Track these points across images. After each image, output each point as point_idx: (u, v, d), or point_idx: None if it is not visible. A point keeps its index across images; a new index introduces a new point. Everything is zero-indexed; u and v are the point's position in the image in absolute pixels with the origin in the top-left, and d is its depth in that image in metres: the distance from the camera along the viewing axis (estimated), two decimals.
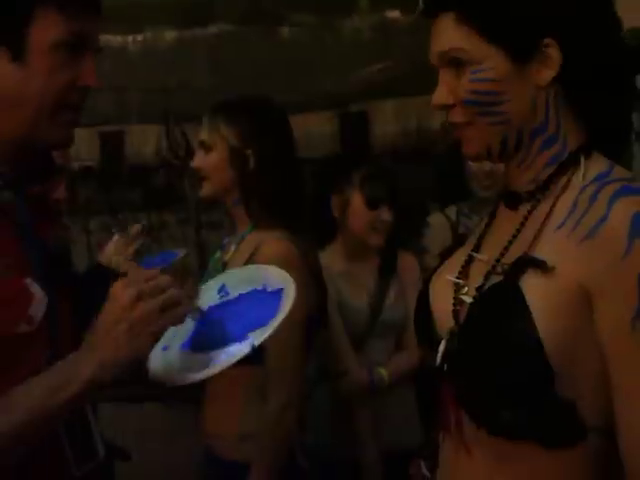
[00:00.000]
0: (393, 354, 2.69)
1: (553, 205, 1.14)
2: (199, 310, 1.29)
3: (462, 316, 1.18)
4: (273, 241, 2.12)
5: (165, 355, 1.33)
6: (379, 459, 2.55)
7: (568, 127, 1.17)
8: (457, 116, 1.17)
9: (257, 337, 1.29)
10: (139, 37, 4.02)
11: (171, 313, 1.15)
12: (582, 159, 1.15)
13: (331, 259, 2.56)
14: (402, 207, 2.70)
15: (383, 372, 2.59)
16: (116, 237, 2.21)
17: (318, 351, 2.37)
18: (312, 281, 2.20)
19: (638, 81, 1.24)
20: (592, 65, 1.14)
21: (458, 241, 1.35)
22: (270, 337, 1.31)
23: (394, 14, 4.51)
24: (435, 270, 1.33)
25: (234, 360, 1.28)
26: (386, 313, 2.68)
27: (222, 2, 3.97)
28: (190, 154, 3.61)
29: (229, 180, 2.20)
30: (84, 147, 3.41)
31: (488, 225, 1.29)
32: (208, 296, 1.42)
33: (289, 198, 2.20)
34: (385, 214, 2.61)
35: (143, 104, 3.68)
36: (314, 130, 4.11)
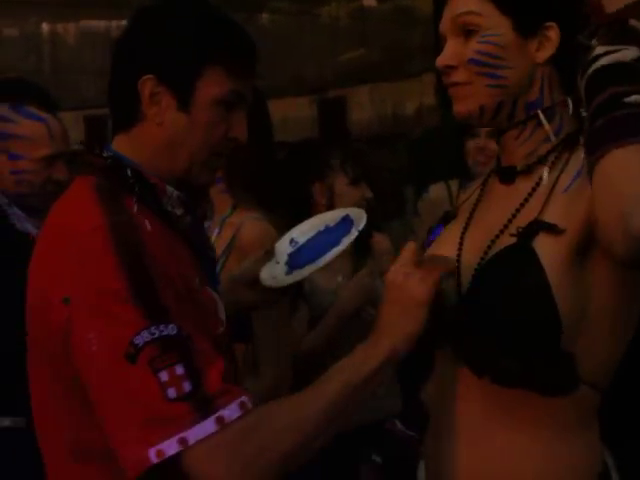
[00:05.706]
0: None
1: (558, 177, 1.25)
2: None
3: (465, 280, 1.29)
4: (253, 222, 2.20)
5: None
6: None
7: (562, 111, 1.29)
8: (458, 76, 1.30)
9: (350, 236, 1.40)
10: (123, 22, 4.09)
11: (430, 280, 1.25)
12: (581, 140, 1.28)
13: None
14: (377, 190, 2.79)
15: None
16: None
17: None
18: None
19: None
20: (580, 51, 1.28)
21: (445, 218, 1.46)
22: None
23: (370, 2, 4.61)
24: (429, 243, 1.43)
25: (343, 248, 1.38)
26: None
27: None
28: None
29: None
30: (69, 131, 3.50)
31: (479, 201, 1.40)
32: (283, 247, 1.55)
33: (268, 176, 2.28)
34: (367, 191, 2.71)
35: None
36: (293, 115, 4.19)
